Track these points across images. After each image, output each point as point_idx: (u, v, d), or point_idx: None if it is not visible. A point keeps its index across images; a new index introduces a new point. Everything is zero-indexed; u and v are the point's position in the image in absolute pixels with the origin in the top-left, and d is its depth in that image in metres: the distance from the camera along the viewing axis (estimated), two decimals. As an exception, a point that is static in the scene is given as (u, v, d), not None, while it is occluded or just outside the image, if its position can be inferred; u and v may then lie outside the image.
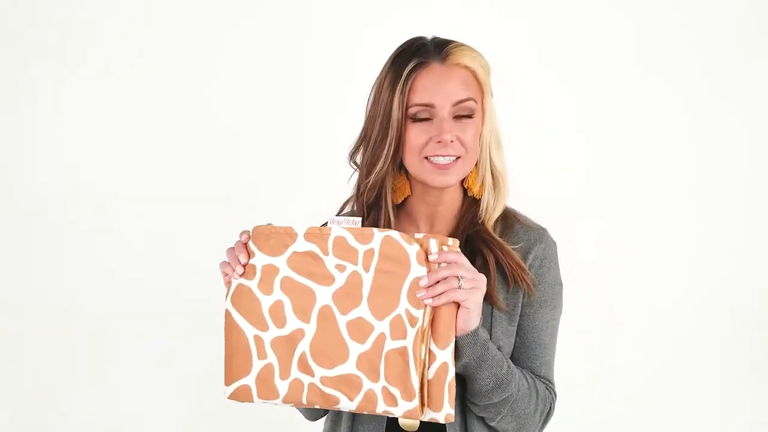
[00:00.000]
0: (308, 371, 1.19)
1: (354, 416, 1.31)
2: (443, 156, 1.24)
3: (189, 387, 2.40)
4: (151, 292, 2.38)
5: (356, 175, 1.34)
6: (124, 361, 2.40)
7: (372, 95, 1.30)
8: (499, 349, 1.27)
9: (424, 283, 1.13)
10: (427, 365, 1.15)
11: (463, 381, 1.24)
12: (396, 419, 1.26)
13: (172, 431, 2.41)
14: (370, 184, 1.29)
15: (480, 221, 1.30)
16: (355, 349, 1.17)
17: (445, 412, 1.14)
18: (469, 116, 1.26)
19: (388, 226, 1.31)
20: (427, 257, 1.15)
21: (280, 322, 1.20)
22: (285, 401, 1.21)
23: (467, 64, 1.26)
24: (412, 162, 1.27)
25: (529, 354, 1.30)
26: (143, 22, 2.39)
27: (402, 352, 1.15)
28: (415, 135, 1.25)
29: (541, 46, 2.42)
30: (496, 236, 1.29)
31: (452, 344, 1.14)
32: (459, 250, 1.16)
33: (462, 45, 1.28)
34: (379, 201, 1.31)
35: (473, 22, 2.32)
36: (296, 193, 2.37)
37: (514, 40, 2.37)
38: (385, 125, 1.26)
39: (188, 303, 2.36)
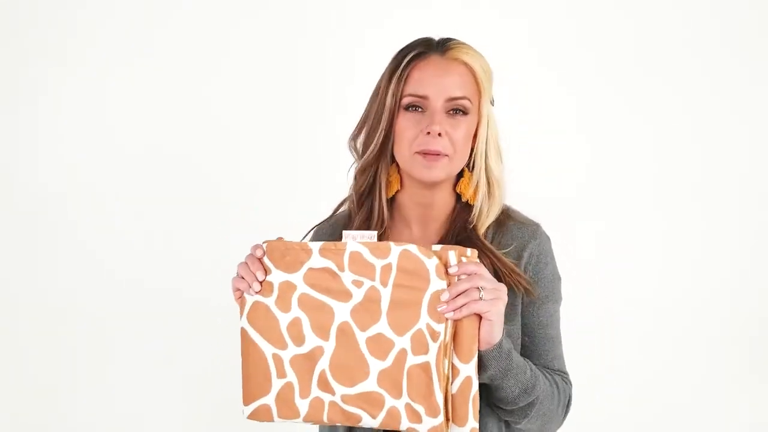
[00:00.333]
0: (329, 389, 1.17)
1: None
2: (432, 151, 1.23)
3: (189, 387, 2.40)
4: (151, 292, 2.38)
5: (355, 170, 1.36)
6: (124, 361, 2.40)
7: (377, 83, 1.30)
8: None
9: (445, 297, 1.11)
10: (450, 380, 1.13)
11: (483, 387, 1.22)
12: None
13: (172, 431, 2.41)
14: (359, 168, 1.31)
15: (471, 226, 1.30)
16: (376, 365, 1.15)
17: (470, 426, 1.13)
18: (463, 113, 1.25)
19: (382, 219, 1.31)
20: (446, 270, 1.13)
21: (299, 340, 1.18)
22: (306, 420, 1.19)
23: (466, 60, 1.26)
24: (401, 154, 1.27)
25: (539, 351, 1.30)
26: (143, 22, 2.39)
27: (425, 367, 1.13)
28: (406, 125, 1.24)
29: (541, 46, 2.42)
30: (488, 243, 1.29)
31: (475, 357, 1.13)
32: (478, 260, 1.15)
33: (465, 44, 1.28)
34: (372, 191, 1.32)
35: (473, 22, 2.31)
36: (296, 193, 2.37)
37: (514, 40, 2.37)
38: (379, 112, 1.26)
39: (188, 303, 2.36)
